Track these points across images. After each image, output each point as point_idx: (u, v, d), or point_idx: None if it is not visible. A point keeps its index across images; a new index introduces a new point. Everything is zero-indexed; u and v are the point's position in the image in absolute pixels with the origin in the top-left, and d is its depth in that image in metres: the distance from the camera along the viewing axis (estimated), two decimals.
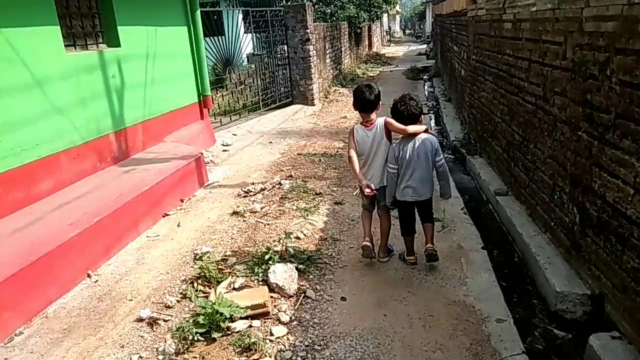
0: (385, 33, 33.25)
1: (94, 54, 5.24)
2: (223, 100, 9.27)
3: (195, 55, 7.46)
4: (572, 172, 3.22)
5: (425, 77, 15.98)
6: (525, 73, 4.17)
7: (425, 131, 3.56)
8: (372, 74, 16.52)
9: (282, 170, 6.23)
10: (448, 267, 3.70)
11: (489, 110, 5.65)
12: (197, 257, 3.93)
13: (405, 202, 3.62)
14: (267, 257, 3.66)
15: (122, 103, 5.69)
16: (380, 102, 3.58)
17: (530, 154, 4.12)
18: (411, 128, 3.48)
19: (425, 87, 14.16)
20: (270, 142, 7.88)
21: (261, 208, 4.91)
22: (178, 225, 4.69)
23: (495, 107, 5.31)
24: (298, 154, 6.97)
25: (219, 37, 11.74)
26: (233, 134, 8.45)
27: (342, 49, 15.48)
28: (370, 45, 24.28)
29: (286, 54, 10.83)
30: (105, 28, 5.57)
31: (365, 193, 3.50)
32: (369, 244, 3.69)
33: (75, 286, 3.68)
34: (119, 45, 5.67)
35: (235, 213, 4.85)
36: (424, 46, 27.49)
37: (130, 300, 3.45)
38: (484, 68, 5.89)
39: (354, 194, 5.27)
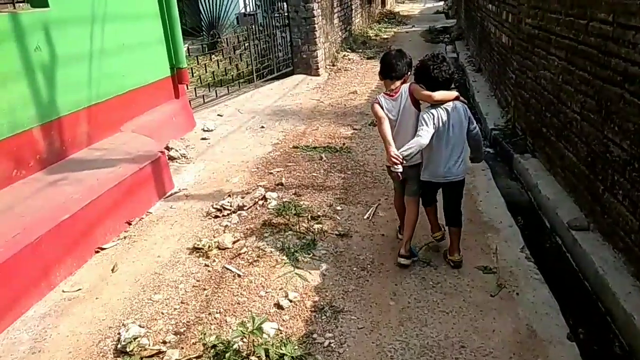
0: None
1: (3, 18, 3.72)
2: (206, 72, 7.67)
3: (166, 17, 5.86)
4: None
5: (445, 39, 14.10)
6: None
7: (456, 99, 3.02)
8: (386, 36, 14.63)
9: (271, 173, 4.73)
10: None
11: (554, 98, 4.07)
12: (121, 346, 2.52)
13: (431, 183, 3.12)
14: None
15: (54, 85, 4.18)
16: (410, 73, 3.12)
17: None
18: (438, 94, 2.98)
19: (447, 51, 12.34)
20: (262, 127, 6.34)
21: (233, 243, 3.46)
22: (113, 270, 3.28)
23: (568, 95, 3.73)
24: (294, 147, 5.44)
25: None
26: (218, 115, 6.91)
27: (353, 7, 13.57)
28: (383, 3, 22.10)
29: (286, 14, 9.11)
30: None
31: (392, 169, 2.93)
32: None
33: None
34: (46, 5, 4.13)
35: (196, 250, 3.42)
36: (441, 3, 25.15)
37: None
38: (547, 37, 4.26)
39: (365, 217, 3.79)
